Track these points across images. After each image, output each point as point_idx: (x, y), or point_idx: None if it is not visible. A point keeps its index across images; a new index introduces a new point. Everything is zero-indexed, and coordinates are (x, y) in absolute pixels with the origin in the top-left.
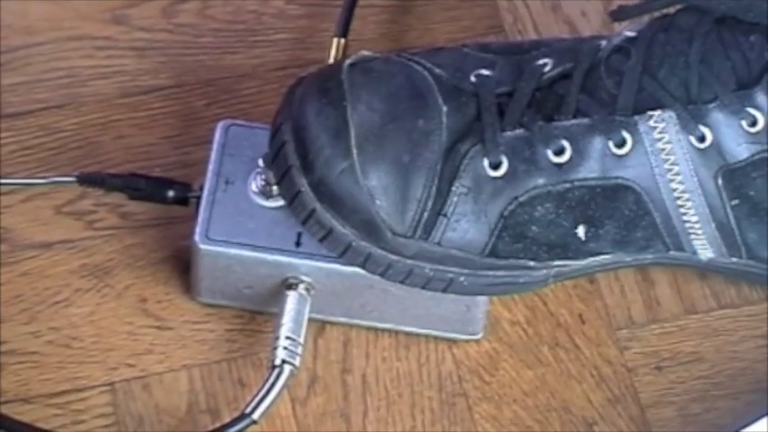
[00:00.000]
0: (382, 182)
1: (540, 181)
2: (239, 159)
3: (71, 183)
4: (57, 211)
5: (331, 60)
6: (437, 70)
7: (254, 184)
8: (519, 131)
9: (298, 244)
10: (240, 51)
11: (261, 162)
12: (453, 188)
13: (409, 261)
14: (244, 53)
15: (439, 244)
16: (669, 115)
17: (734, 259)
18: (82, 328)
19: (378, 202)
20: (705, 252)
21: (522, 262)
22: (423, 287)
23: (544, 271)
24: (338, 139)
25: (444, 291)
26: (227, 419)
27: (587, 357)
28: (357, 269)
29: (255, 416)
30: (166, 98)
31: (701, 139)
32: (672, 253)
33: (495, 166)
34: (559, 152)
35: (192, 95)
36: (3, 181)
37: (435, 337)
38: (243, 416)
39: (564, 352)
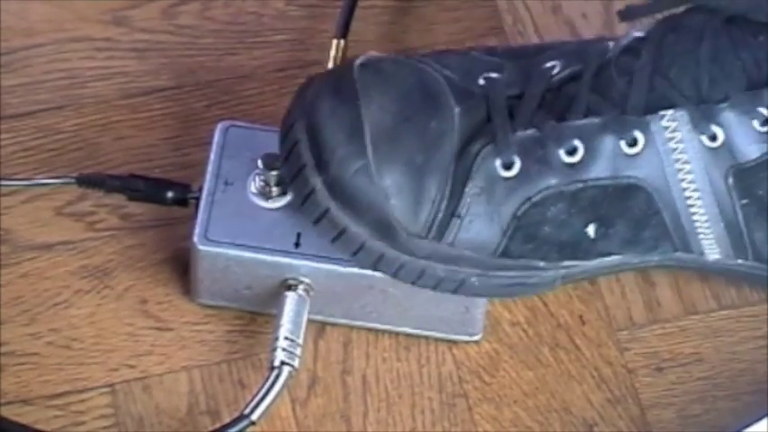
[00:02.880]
0: (396, 182)
1: (553, 181)
2: (238, 160)
3: (71, 184)
4: (57, 212)
5: (331, 62)
6: (446, 72)
7: (254, 185)
8: (531, 131)
9: (297, 245)
10: (240, 53)
11: (260, 163)
12: (466, 189)
13: (422, 261)
14: (244, 54)
15: (452, 245)
16: (681, 114)
17: (739, 261)
18: (82, 329)
19: (392, 201)
20: (712, 253)
21: (532, 262)
22: (434, 288)
23: (553, 272)
24: (353, 138)
25: (455, 292)
26: (227, 421)
27: (587, 358)
28: (356, 270)
29: (254, 417)
30: (167, 99)
31: (713, 138)
32: (678, 254)
33: (508, 167)
34: (572, 152)
35: (192, 97)
36: (2, 182)
37: (435, 339)
38: (241, 417)
39: (564, 353)
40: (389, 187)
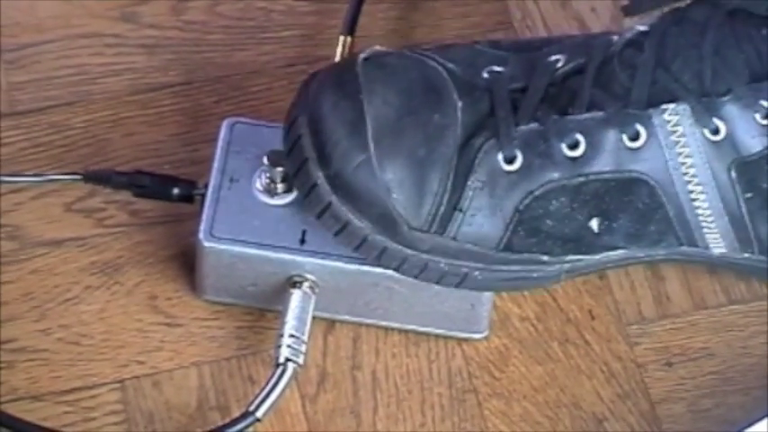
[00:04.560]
0: (398, 175)
1: (555, 175)
2: (244, 157)
3: (77, 180)
4: (67, 208)
5: (338, 58)
6: (450, 65)
7: (259, 182)
8: (533, 125)
9: (302, 242)
10: (249, 48)
11: (265, 160)
12: (469, 182)
13: (424, 255)
14: (253, 50)
15: (454, 238)
16: (683, 108)
17: (746, 254)
18: (92, 325)
19: (394, 195)
20: (717, 247)
21: (535, 256)
22: (437, 282)
23: (557, 266)
24: (355, 133)
25: (458, 286)
26: (233, 417)
27: (597, 353)
28: (361, 267)
29: (259, 414)
30: (176, 95)
31: (715, 131)
32: (684, 248)
33: (510, 161)
34: (574, 146)
35: (201, 92)
36: (10, 178)
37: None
38: (247, 414)
39: (574, 348)
40: (391, 181)
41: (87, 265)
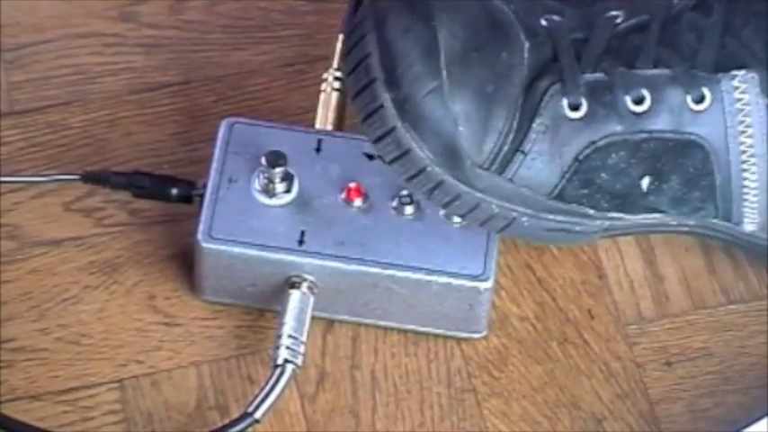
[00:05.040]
0: (466, 108)
1: (618, 128)
2: (243, 157)
3: (75, 181)
4: (65, 208)
5: (337, 58)
6: (512, 6)
7: (258, 183)
8: (599, 75)
9: (301, 242)
10: (248, 48)
11: (264, 161)
12: (534, 125)
13: (478, 194)
14: (251, 49)
15: (511, 180)
16: (752, 76)
17: None
18: (91, 324)
19: (460, 128)
20: (751, 223)
21: (582, 209)
22: (482, 224)
23: (599, 222)
24: (429, 58)
25: (502, 231)
26: (232, 418)
27: (596, 353)
28: (360, 267)
29: (257, 415)
30: (174, 95)
31: None
32: (715, 221)
33: (575, 107)
34: (639, 101)
35: (199, 92)
36: (8, 178)
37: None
38: (245, 415)
39: (573, 347)
40: (459, 113)
41: (86, 264)
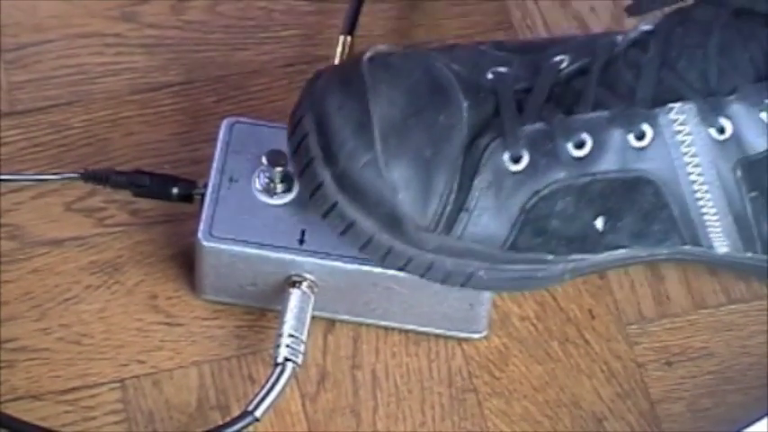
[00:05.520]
0: (404, 175)
1: (561, 174)
2: (243, 157)
3: (76, 180)
4: (67, 207)
5: (337, 58)
6: (455, 66)
7: (258, 182)
8: (539, 125)
9: (301, 242)
10: (249, 48)
11: (264, 160)
12: (475, 182)
13: (430, 255)
14: (253, 50)
15: (460, 238)
16: (689, 107)
17: (749, 254)
18: (92, 324)
19: (400, 195)
20: (721, 246)
21: (541, 256)
22: (442, 282)
23: (561, 265)
24: (361, 132)
25: (463, 285)
26: (232, 416)
27: (597, 353)
28: (361, 267)
29: (258, 413)
30: (176, 95)
31: (721, 130)
32: (687, 248)
33: (516, 160)
34: (580, 145)
35: (201, 92)
36: (10, 177)
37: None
38: (245, 413)
39: (574, 347)
40: (397, 180)
41: (87, 264)
